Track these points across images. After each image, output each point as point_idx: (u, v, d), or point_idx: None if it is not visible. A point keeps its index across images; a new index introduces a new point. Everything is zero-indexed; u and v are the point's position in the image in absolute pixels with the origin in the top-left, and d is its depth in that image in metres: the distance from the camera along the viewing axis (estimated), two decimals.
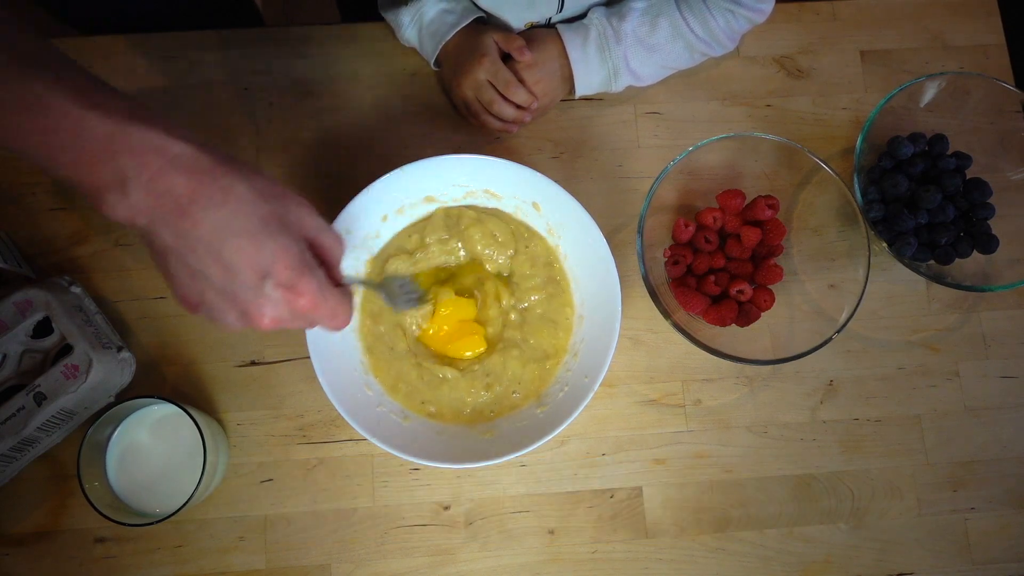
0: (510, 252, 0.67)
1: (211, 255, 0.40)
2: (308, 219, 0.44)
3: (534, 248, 0.68)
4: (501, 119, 0.70)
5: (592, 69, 0.70)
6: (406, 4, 0.70)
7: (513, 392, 0.65)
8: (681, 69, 0.74)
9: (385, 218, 0.66)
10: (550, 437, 0.59)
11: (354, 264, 0.66)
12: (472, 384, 0.64)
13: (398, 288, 0.65)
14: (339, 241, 0.47)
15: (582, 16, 0.72)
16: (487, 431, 0.63)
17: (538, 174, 0.63)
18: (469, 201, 0.68)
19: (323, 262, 0.46)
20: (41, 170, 0.39)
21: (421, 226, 0.68)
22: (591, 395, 0.60)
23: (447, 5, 0.70)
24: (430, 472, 0.68)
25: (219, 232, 0.40)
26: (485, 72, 0.68)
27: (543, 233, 0.68)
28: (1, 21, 0.40)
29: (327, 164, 0.73)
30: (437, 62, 0.72)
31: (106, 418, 0.61)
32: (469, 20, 0.69)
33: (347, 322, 0.47)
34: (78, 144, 0.38)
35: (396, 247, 0.67)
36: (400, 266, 0.66)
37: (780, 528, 0.68)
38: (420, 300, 0.65)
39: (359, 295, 0.66)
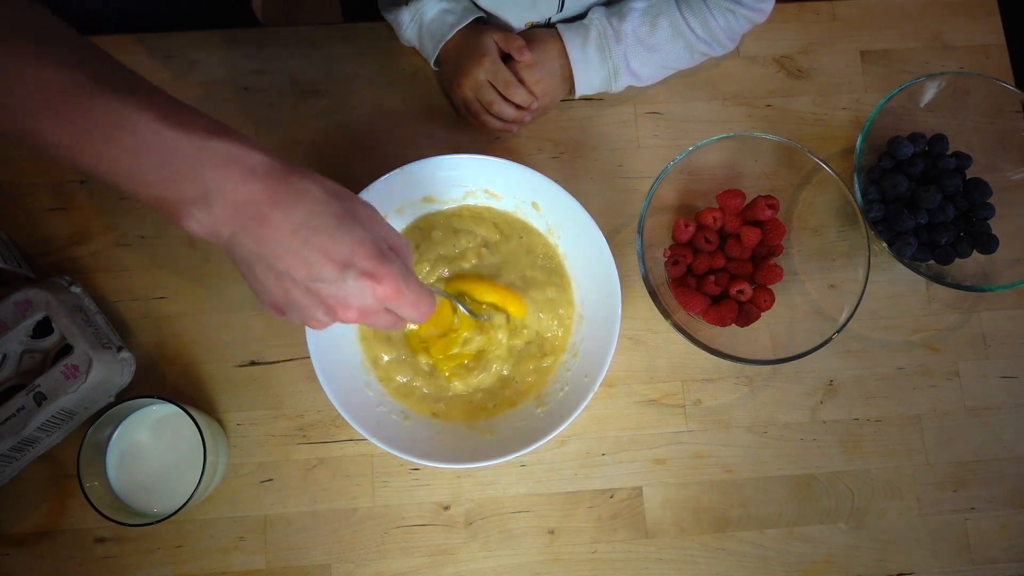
0: (507, 247, 0.67)
1: (293, 255, 0.41)
2: (376, 219, 0.46)
3: (531, 242, 0.68)
4: (501, 119, 0.70)
5: (592, 69, 0.70)
6: (406, 4, 0.70)
7: (514, 380, 0.65)
8: (681, 69, 0.74)
9: (384, 218, 0.66)
10: (551, 437, 0.59)
11: None
12: (470, 371, 0.65)
13: (466, 305, 0.65)
14: (406, 243, 0.48)
15: (582, 16, 0.72)
16: (488, 430, 0.63)
17: (537, 173, 0.63)
18: (469, 201, 0.68)
19: None
20: (125, 193, 0.41)
21: (419, 226, 0.68)
22: (591, 395, 0.60)
23: (447, 5, 0.70)
24: (430, 472, 0.68)
25: (299, 231, 0.41)
26: (485, 72, 0.68)
27: (543, 232, 0.68)
28: (84, 45, 0.42)
29: (327, 164, 0.73)
30: (437, 62, 0.72)
31: (106, 418, 0.61)
32: (469, 20, 0.69)
33: (431, 312, 0.47)
34: (166, 162, 0.40)
35: None
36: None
37: (780, 528, 0.68)
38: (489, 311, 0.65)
39: None
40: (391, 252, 0.45)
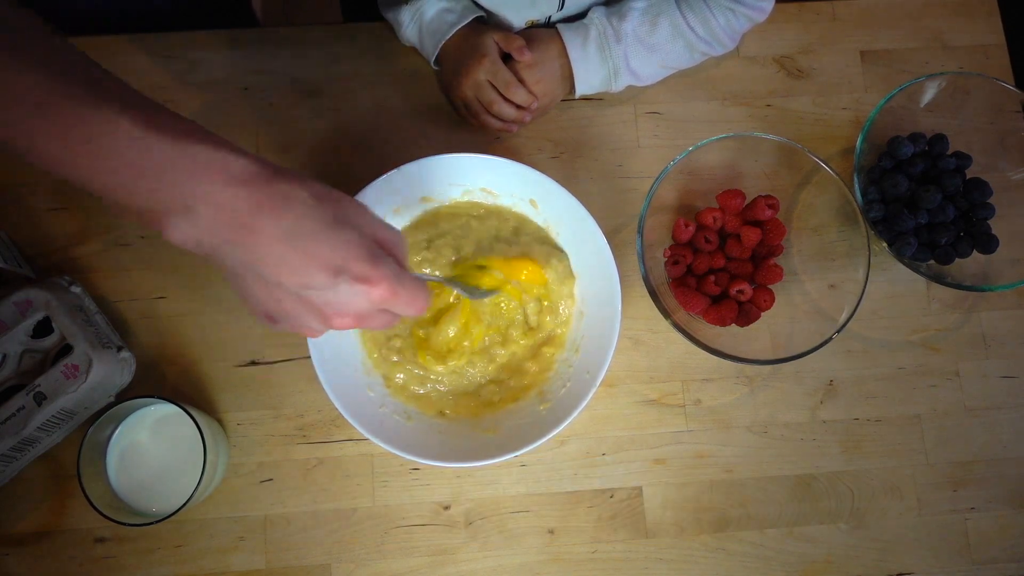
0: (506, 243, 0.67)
1: (283, 263, 0.40)
2: (367, 217, 0.45)
3: (531, 230, 0.68)
4: (501, 119, 0.70)
5: (592, 69, 0.70)
6: (406, 3, 0.70)
7: (513, 366, 0.66)
8: (681, 69, 0.74)
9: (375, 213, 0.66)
10: (554, 434, 0.59)
11: None
12: (472, 361, 0.65)
13: (463, 285, 0.64)
14: (400, 237, 0.47)
15: (582, 15, 0.72)
16: (491, 428, 0.63)
17: (534, 171, 0.63)
18: (466, 200, 0.68)
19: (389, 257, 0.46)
20: (106, 202, 0.39)
21: (416, 225, 0.68)
22: (593, 391, 0.60)
23: (447, 4, 0.70)
24: (430, 472, 0.68)
25: (287, 238, 0.40)
26: (485, 72, 0.68)
27: (541, 227, 0.68)
28: (62, 47, 0.40)
29: (327, 164, 0.73)
30: (437, 61, 0.72)
31: (106, 418, 0.61)
32: (469, 19, 0.69)
33: (427, 305, 0.46)
34: (145, 169, 0.38)
35: None
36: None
37: (780, 528, 0.68)
38: (490, 290, 0.65)
39: None
40: (382, 251, 0.44)
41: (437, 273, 0.65)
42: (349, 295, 0.42)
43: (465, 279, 0.65)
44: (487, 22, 0.72)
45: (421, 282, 0.46)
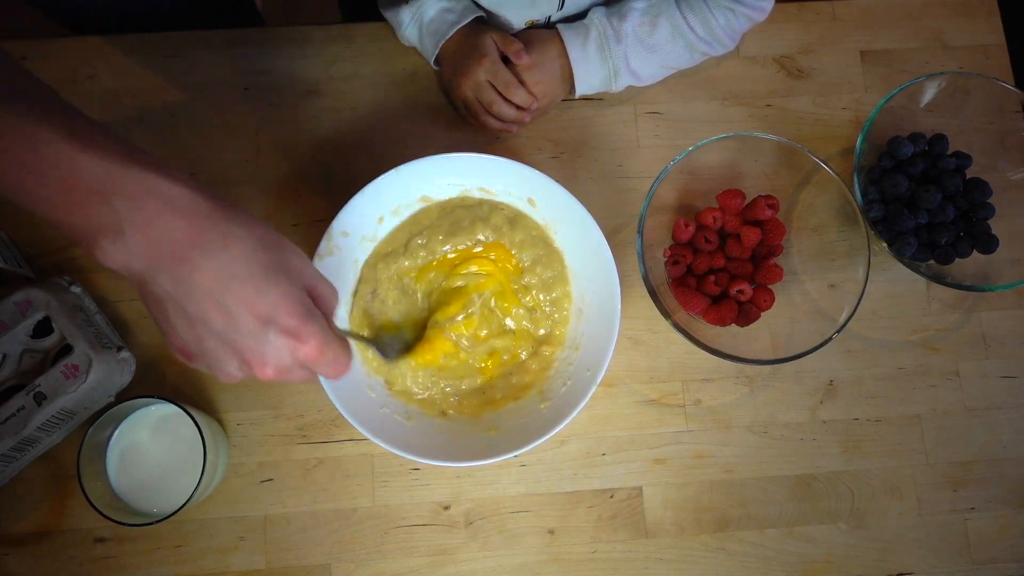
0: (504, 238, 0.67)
1: (212, 302, 0.39)
2: (306, 268, 0.44)
3: (529, 226, 0.68)
4: (501, 119, 0.70)
5: (592, 69, 0.70)
6: (406, 3, 0.70)
7: (520, 351, 0.66)
8: (681, 69, 0.74)
9: (381, 219, 0.66)
10: (556, 431, 0.59)
11: (346, 276, 0.66)
12: (472, 354, 0.65)
13: (388, 340, 0.64)
14: (334, 291, 0.46)
15: (582, 15, 0.72)
16: (492, 427, 0.63)
17: (531, 169, 0.63)
18: (461, 197, 0.68)
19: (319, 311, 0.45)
20: (35, 215, 0.38)
21: (413, 224, 0.68)
22: (594, 388, 0.60)
23: (447, 4, 0.70)
24: (430, 472, 0.68)
25: (221, 278, 0.39)
26: (485, 72, 0.68)
27: (540, 226, 0.68)
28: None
29: (327, 164, 0.73)
30: (437, 61, 0.72)
31: (106, 418, 0.61)
32: (469, 19, 0.69)
33: (347, 371, 0.46)
34: (72, 185, 0.36)
35: (391, 248, 0.67)
36: (395, 267, 0.66)
37: (780, 528, 0.68)
38: (408, 348, 0.65)
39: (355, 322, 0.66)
40: (314, 308, 0.43)
41: (365, 333, 0.65)
42: (275, 347, 0.41)
43: (440, 300, 0.66)
44: (487, 22, 0.72)
45: (346, 344, 0.45)
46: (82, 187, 0.37)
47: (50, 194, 0.37)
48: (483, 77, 0.68)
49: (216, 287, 0.39)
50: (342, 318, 0.65)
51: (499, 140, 0.74)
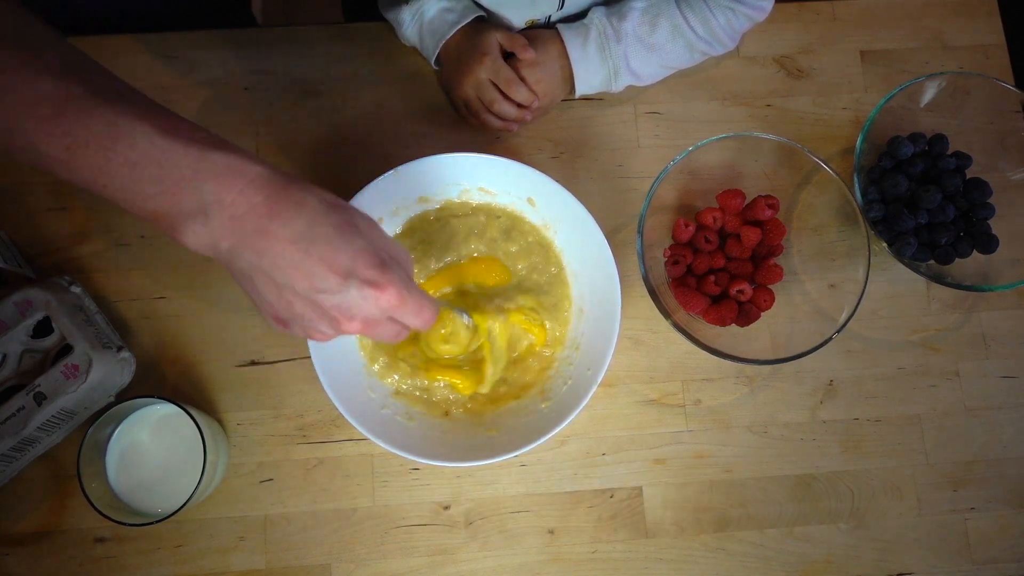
0: (503, 242, 0.68)
1: (294, 266, 0.41)
2: (374, 229, 0.45)
3: (526, 229, 0.68)
4: (502, 118, 0.70)
5: (592, 69, 0.70)
6: (407, 2, 0.70)
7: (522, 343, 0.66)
8: (681, 68, 0.74)
9: (380, 220, 0.66)
10: (557, 431, 0.59)
11: None
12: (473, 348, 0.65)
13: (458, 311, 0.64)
14: (407, 254, 0.48)
15: (582, 15, 0.72)
16: (492, 427, 0.63)
17: (531, 169, 0.63)
18: (464, 199, 0.68)
19: None
20: (121, 206, 0.41)
21: (412, 225, 0.68)
22: (595, 387, 0.60)
23: (448, 3, 0.70)
24: (430, 472, 0.68)
25: (299, 242, 0.41)
26: (486, 71, 0.68)
27: (539, 227, 0.68)
28: (76, 54, 0.41)
29: (328, 164, 0.73)
30: (437, 61, 0.72)
31: (106, 418, 0.61)
32: (470, 19, 0.69)
33: (434, 319, 0.47)
34: (164, 174, 0.39)
35: None
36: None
37: (780, 528, 0.68)
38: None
39: None
40: (391, 260, 0.44)
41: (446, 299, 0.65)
42: (358, 299, 0.43)
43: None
44: (487, 21, 0.72)
45: (428, 295, 0.47)
46: (173, 176, 0.40)
47: (143, 186, 0.40)
48: (484, 75, 0.68)
49: (296, 251, 0.41)
50: None
51: (499, 140, 0.74)
